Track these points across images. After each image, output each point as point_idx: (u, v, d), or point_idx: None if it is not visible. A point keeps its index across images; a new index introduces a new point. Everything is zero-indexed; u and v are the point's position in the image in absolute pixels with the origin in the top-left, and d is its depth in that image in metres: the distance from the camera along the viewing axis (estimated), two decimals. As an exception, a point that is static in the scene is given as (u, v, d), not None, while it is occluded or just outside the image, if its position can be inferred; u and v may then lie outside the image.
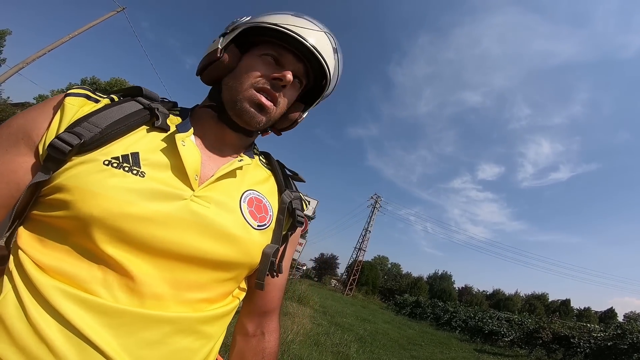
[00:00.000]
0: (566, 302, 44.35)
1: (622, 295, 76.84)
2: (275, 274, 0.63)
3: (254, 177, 0.66)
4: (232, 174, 0.61)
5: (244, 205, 0.59)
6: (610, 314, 42.95)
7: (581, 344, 10.66)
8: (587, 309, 45.26)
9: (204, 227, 0.52)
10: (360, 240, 37.20)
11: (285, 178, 0.73)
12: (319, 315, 8.98)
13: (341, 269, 48.81)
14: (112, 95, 0.58)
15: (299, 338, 5.00)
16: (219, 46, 0.62)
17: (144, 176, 0.50)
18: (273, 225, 0.64)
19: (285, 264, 0.68)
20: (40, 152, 0.49)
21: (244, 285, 0.65)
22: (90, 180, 0.46)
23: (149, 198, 0.48)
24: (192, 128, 0.61)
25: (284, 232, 0.67)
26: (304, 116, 0.75)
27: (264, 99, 0.61)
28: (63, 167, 0.48)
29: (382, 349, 7.22)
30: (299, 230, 0.72)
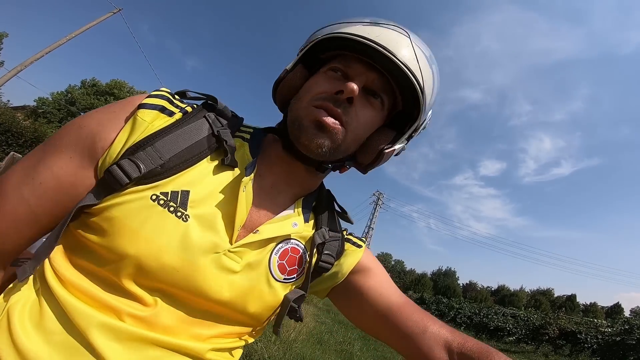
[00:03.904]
0: (572, 298, 44.17)
1: (627, 290, 76.42)
2: (297, 319, 0.59)
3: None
4: (279, 237, 0.54)
5: (275, 258, 0.54)
6: (616, 309, 42.75)
7: (588, 339, 10.59)
8: (593, 304, 45.09)
9: (228, 282, 0.50)
10: (363, 237, 37.10)
11: (330, 212, 0.63)
12: (322, 314, 8.95)
13: (345, 267, 48.62)
14: (187, 108, 0.52)
15: (302, 337, 4.95)
16: (288, 66, 0.58)
17: (187, 220, 0.46)
18: (304, 275, 0.57)
19: (390, 284, 0.65)
20: (99, 169, 0.46)
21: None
22: (133, 215, 0.44)
23: (185, 247, 0.46)
24: (257, 167, 0.54)
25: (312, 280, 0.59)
26: (397, 148, 0.58)
27: (323, 116, 0.51)
28: (113, 194, 0.45)
29: (385, 347, 7.13)
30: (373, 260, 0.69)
